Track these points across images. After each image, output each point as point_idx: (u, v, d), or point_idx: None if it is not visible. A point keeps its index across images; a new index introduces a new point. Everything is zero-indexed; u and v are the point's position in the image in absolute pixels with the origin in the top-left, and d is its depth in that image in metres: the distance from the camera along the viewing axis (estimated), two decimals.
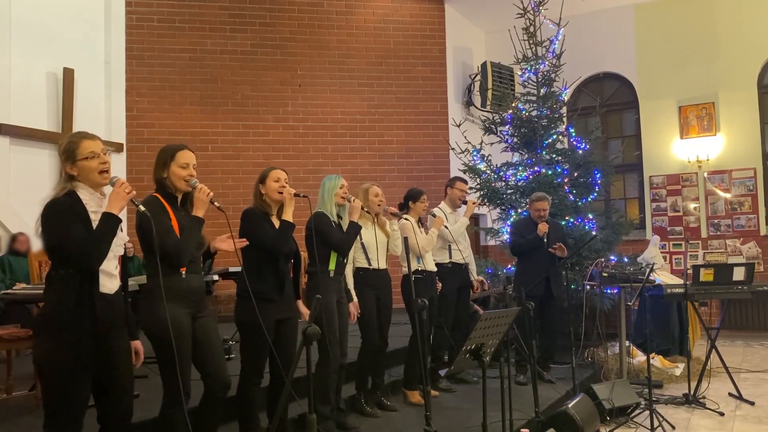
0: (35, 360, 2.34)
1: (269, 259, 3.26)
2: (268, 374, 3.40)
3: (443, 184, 5.57)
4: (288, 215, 3.31)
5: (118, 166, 7.58)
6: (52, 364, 2.25)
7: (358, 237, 4.13)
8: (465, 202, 5.29)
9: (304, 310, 3.54)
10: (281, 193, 3.32)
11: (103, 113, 7.74)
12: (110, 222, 2.33)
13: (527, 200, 5.92)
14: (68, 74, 7.20)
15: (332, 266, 3.83)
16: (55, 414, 2.27)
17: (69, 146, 2.37)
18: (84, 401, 2.31)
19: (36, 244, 6.30)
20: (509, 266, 6.92)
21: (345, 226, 3.91)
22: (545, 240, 5.33)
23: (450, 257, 5.16)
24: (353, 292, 4.13)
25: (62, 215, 2.27)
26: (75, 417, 2.29)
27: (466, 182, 5.46)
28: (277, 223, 3.34)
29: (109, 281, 2.38)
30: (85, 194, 2.36)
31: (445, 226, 4.99)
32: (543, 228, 5.32)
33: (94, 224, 2.33)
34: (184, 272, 2.73)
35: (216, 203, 2.79)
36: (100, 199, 2.40)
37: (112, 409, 2.42)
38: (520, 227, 5.62)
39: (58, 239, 2.26)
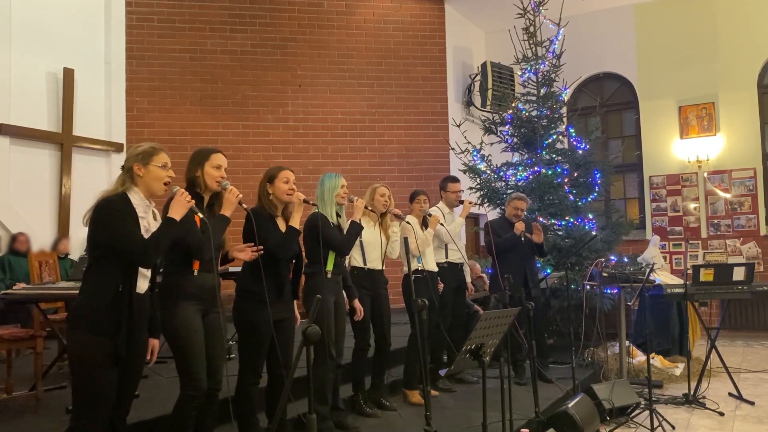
0: (70, 351, 2.42)
1: (271, 261, 3.25)
2: (266, 374, 3.40)
3: None
4: (295, 221, 3.30)
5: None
6: (89, 356, 2.33)
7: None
8: (462, 202, 5.28)
9: (295, 312, 3.51)
10: (290, 195, 3.31)
11: (103, 113, 7.74)
12: (172, 226, 2.52)
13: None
14: (68, 74, 7.21)
15: (330, 267, 3.81)
16: (86, 406, 2.34)
17: (149, 150, 2.56)
18: (113, 393, 2.39)
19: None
20: None
21: (344, 225, 3.90)
22: (522, 239, 5.36)
23: (446, 257, 5.16)
24: (353, 287, 4.11)
25: (120, 214, 2.41)
26: (104, 410, 2.36)
27: (458, 181, 5.43)
28: (281, 225, 3.33)
29: (142, 281, 2.51)
30: (136, 198, 2.51)
31: (442, 224, 4.99)
32: (520, 227, 5.37)
33: (142, 228, 2.48)
34: (196, 270, 2.79)
35: (244, 205, 2.92)
36: (147, 206, 2.56)
37: (117, 405, 2.45)
38: (496, 227, 5.61)
39: (115, 236, 2.38)
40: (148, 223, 2.54)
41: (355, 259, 4.22)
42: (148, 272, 2.55)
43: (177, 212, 2.54)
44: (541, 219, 6.48)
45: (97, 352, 2.32)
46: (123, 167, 2.56)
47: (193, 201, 2.60)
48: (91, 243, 2.46)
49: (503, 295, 3.77)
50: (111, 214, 2.40)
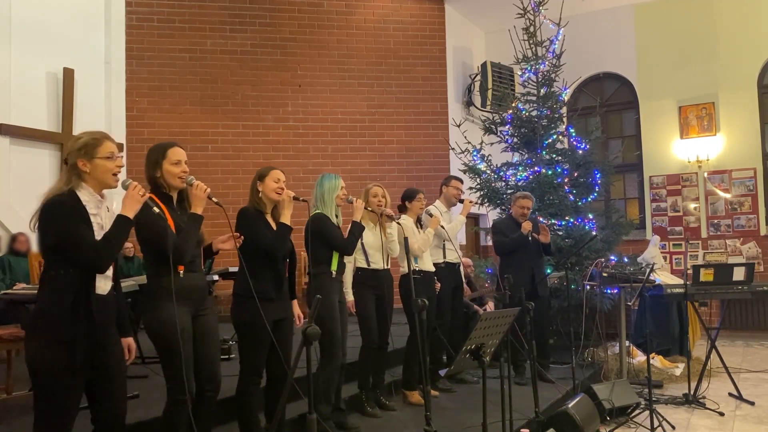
0: (28, 360, 2.24)
1: (266, 259, 3.25)
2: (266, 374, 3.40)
3: None
4: (286, 218, 3.29)
5: None
6: (46, 364, 2.19)
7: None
8: (461, 201, 5.28)
9: (297, 311, 3.49)
10: (279, 194, 3.31)
11: (103, 113, 7.74)
12: (124, 224, 2.32)
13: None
14: (68, 74, 7.20)
15: (334, 267, 3.83)
16: (46, 416, 2.22)
17: (90, 142, 2.34)
18: (75, 404, 2.26)
19: (33, 243, 6.34)
20: None
21: (340, 225, 3.90)
22: (530, 238, 5.36)
23: (444, 257, 5.15)
24: (350, 292, 4.15)
25: (68, 216, 2.22)
26: (65, 420, 2.24)
27: (461, 181, 5.44)
28: (271, 223, 3.33)
29: (104, 282, 2.35)
30: (84, 194, 2.31)
31: (442, 226, 4.99)
32: (527, 226, 5.35)
33: (94, 225, 2.30)
34: (182, 271, 2.71)
35: (214, 199, 2.78)
36: (99, 201, 2.37)
37: (106, 411, 2.37)
38: (502, 226, 5.61)
39: (65, 240, 2.21)
40: (102, 219, 2.35)
41: (357, 260, 4.24)
42: (109, 271, 2.37)
43: (130, 209, 2.34)
44: (541, 219, 6.48)
45: (56, 360, 2.17)
46: (66, 161, 2.35)
47: (147, 195, 2.43)
48: (44, 248, 2.27)
49: (503, 295, 3.77)
50: (58, 217, 2.21)
